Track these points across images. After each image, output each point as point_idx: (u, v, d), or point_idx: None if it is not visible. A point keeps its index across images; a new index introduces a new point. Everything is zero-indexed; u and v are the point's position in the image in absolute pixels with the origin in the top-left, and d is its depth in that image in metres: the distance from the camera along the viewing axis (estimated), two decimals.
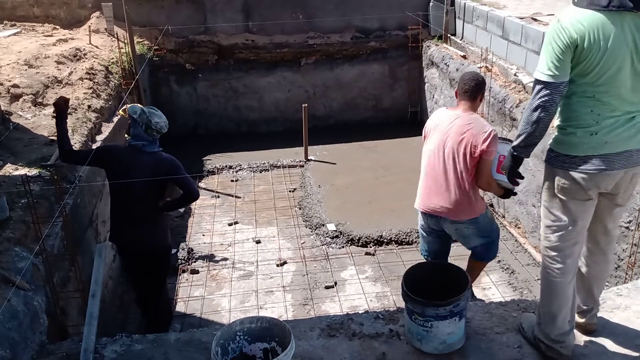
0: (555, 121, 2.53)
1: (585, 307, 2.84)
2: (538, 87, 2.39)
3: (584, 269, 2.74)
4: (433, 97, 8.69)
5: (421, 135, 4.06)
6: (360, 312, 3.51)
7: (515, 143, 2.57)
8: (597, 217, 2.61)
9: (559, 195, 2.53)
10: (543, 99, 2.36)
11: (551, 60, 2.33)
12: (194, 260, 5.62)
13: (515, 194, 2.88)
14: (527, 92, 6.04)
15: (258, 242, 5.97)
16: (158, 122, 3.81)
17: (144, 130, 3.76)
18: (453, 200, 3.73)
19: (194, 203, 6.77)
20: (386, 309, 3.74)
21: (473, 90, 3.71)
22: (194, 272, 5.41)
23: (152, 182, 3.72)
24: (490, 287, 5.04)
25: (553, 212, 2.58)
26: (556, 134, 2.53)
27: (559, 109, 2.46)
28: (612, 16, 2.25)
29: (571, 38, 2.28)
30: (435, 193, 3.80)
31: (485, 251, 4.01)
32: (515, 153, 2.60)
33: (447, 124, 3.77)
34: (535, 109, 2.39)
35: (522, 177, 2.84)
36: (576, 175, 2.45)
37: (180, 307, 4.90)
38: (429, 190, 3.85)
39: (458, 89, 3.81)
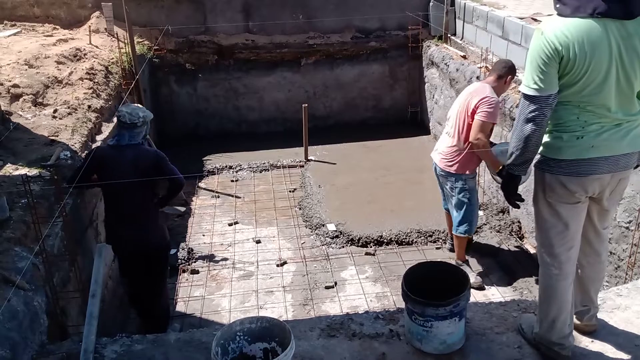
0: None
1: (582, 308, 2.83)
2: (526, 101, 2.35)
3: (579, 270, 2.73)
4: (433, 97, 8.69)
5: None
6: (360, 312, 3.51)
7: (509, 161, 2.52)
8: (587, 217, 2.60)
9: (548, 199, 2.52)
10: (532, 114, 2.32)
11: (536, 74, 2.30)
12: (194, 260, 5.62)
13: (518, 206, 2.84)
14: None
15: (258, 242, 5.97)
16: (121, 110, 3.92)
17: (118, 124, 3.89)
18: (444, 147, 4.76)
19: (194, 203, 6.88)
20: (386, 309, 3.74)
21: (500, 70, 4.57)
22: (194, 272, 5.41)
23: (138, 174, 3.75)
24: (490, 287, 5.04)
25: (545, 217, 2.57)
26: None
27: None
28: (596, 25, 2.21)
29: (555, 50, 2.24)
30: (440, 141, 4.91)
31: (457, 223, 4.88)
32: (511, 172, 2.55)
33: (469, 88, 4.77)
34: (526, 123, 2.35)
35: (523, 200, 2.80)
36: (563, 178, 2.44)
37: (180, 307, 4.90)
38: (439, 139, 5.00)
39: (492, 68, 4.80)
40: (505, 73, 4.56)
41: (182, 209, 6.34)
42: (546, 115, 2.33)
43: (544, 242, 2.61)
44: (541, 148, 2.49)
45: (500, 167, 4.19)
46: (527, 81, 2.35)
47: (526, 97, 2.36)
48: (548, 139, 2.47)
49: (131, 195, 3.86)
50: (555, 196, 2.50)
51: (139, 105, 4.24)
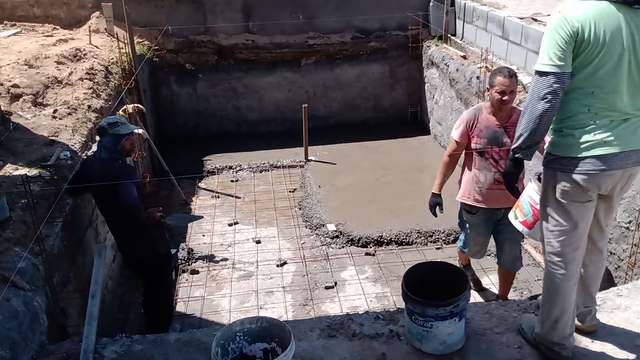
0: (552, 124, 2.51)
1: (584, 309, 2.84)
2: (542, 78, 2.34)
3: (582, 270, 2.73)
4: (433, 97, 8.69)
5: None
6: (360, 312, 3.51)
7: (516, 144, 2.51)
8: (594, 215, 2.60)
9: (560, 198, 2.51)
10: (548, 90, 2.32)
11: (554, 50, 2.31)
12: (194, 260, 5.62)
13: (517, 196, 2.90)
14: (527, 92, 6.04)
15: (258, 242, 5.97)
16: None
17: None
18: None
19: (194, 203, 6.88)
20: (386, 309, 3.74)
21: None
22: (194, 272, 5.41)
23: (104, 188, 3.70)
24: (490, 288, 5.04)
25: (554, 217, 2.55)
26: (552, 137, 2.51)
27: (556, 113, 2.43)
28: (613, 11, 2.27)
29: (573, 27, 2.28)
30: None
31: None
32: (516, 155, 2.54)
33: None
34: (540, 100, 2.34)
35: (519, 193, 2.82)
36: (577, 177, 2.43)
37: (180, 308, 4.90)
38: None
39: None
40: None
41: (199, 216, 6.19)
42: (559, 95, 2.33)
43: (551, 243, 2.59)
44: (551, 147, 2.49)
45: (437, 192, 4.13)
46: (543, 59, 2.35)
47: (542, 74, 2.35)
48: (558, 138, 2.46)
49: (102, 207, 3.97)
50: (568, 196, 2.47)
51: (117, 115, 4.35)
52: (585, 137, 2.39)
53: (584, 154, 2.40)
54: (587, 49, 2.29)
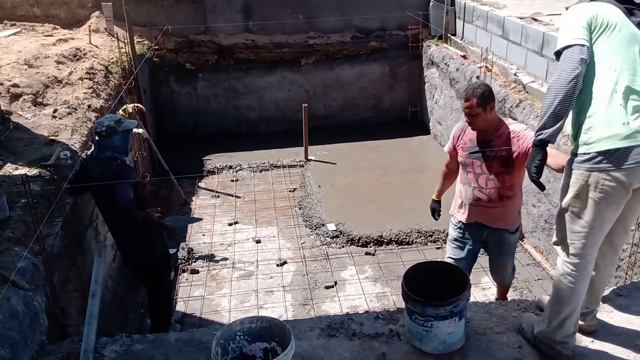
0: (571, 128, 2.48)
1: (586, 310, 2.84)
2: (570, 49, 2.36)
3: (593, 273, 2.67)
4: (433, 97, 8.69)
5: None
6: (360, 312, 3.51)
7: (542, 122, 2.40)
8: (620, 216, 2.51)
9: (597, 199, 2.39)
10: (578, 57, 2.33)
11: (577, 30, 2.41)
12: (194, 260, 5.62)
13: (543, 187, 2.75)
14: (527, 92, 6.04)
15: (258, 242, 5.97)
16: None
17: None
18: None
19: (194, 203, 6.88)
20: (386, 309, 3.74)
21: None
22: (194, 272, 5.41)
23: (102, 189, 3.67)
24: (490, 287, 5.04)
25: (584, 219, 2.46)
26: (579, 137, 2.42)
27: (578, 110, 2.41)
28: (620, 12, 2.48)
29: (592, 13, 2.44)
30: None
31: None
32: (540, 137, 2.41)
33: None
34: (569, 67, 2.33)
35: (544, 187, 2.73)
36: (617, 173, 2.34)
37: (180, 307, 4.90)
38: None
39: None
40: None
41: (198, 218, 6.14)
42: (585, 65, 2.36)
43: (574, 244, 2.52)
44: (580, 147, 2.40)
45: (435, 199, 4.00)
46: (567, 37, 2.40)
47: (569, 47, 2.38)
48: (589, 133, 2.37)
49: (101, 207, 3.95)
50: (608, 196, 2.38)
51: (115, 114, 4.31)
52: (621, 129, 2.32)
53: (621, 145, 2.32)
54: (603, 28, 2.41)
